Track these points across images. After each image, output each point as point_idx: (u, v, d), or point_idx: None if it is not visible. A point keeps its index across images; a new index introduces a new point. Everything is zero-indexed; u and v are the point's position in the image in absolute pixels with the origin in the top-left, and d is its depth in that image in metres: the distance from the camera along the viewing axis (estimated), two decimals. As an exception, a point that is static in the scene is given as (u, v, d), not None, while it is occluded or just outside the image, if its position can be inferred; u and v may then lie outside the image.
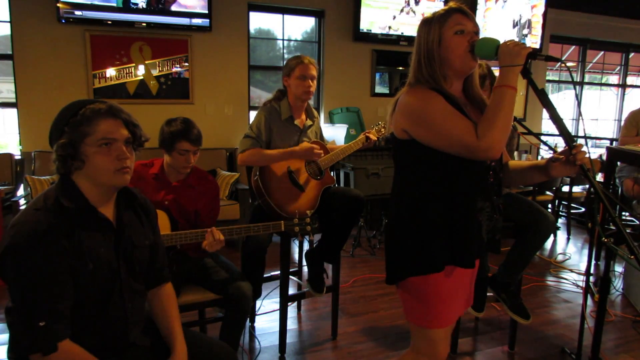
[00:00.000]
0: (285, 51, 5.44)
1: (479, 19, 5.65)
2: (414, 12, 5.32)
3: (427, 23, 1.41)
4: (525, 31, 5.93)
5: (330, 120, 5.23)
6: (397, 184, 1.51)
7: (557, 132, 1.34)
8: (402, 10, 5.30)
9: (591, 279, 3.46)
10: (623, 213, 4.60)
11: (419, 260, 1.41)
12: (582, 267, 4.02)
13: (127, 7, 4.33)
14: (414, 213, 1.43)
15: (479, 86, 1.51)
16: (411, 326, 1.54)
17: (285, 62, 2.52)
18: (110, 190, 1.33)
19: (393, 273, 1.49)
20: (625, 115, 4.23)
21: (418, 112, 1.36)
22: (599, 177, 4.16)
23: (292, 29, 5.44)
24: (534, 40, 5.97)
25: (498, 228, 1.51)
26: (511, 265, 2.35)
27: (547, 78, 6.88)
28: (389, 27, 5.28)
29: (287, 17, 5.30)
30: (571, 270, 3.93)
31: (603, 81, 7.81)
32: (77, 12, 4.23)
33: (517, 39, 1.38)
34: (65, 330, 1.22)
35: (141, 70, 4.60)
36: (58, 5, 4.14)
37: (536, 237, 2.28)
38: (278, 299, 2.52)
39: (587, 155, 1.32)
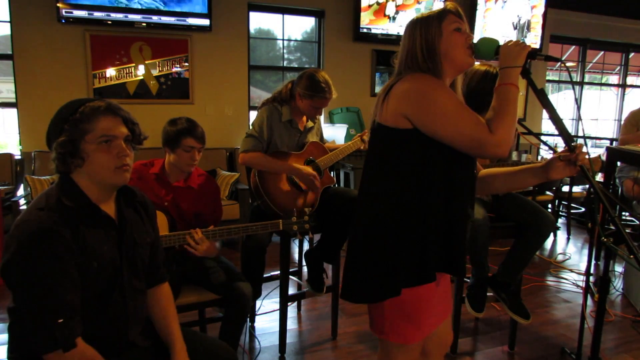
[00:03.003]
0: (285, 51, 5.44)
1: (478, 19, 5.66)
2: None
3: (422, 21, 1.37)
4: (525, 32, 5.93)
5: (330, 120, 5.24)
6: (382, 182, 1.35)
7: (556, 132, 1.34)
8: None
9: (591, 279, 3.46)
10: (623, 213, 4.60)
11: (416, 270, 1.31)
12: (582, 267, 4.02)
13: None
14: (409, 215, 1.31)
15: (462, 88, 1.49)
16: (384, 343, 1.44)
17: (308, 77, 2.37)
18: (110, 188, 1.33)
19: (384, 286, 1.32)
20: (625, 115, 4.23)
21: (427, 96, 1.26)
22: (599, 177, 4.16)
23: (292, 29, 5.45)
24: (534, 41, 5.97)
25: (470, 239, 1.48)
26: (511, 265, 2.35)
27: (547, 78, 6.88)
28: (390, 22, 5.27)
29: (287, 17, 5.30)
30: (571, 270, 3.93)
31: (603, 81, 7.81)
32: (77, 12, 4.23)
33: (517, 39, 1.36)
34: (80, 326, 1.22)
35: (141, 70, 4.60)
36: (58, 5, 4.15)
37: (536, 236, 2.29)
38: (278, 299, 2.52)
39: (587, 156, 1.32)
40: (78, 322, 1.21)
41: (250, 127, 2.42)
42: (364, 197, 1.40)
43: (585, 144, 1.35)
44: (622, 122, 4.19)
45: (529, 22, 5.93)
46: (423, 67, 1.33)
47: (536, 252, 2.46)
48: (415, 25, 1.38)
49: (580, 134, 6.62)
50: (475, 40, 1.38)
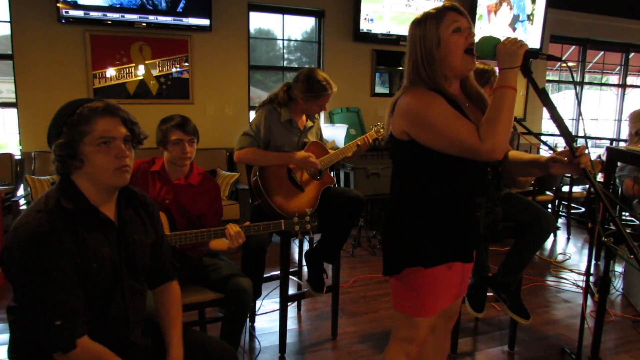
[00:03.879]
0: (285, 51, 5.44)
1: (478, 19, 5.65)
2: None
3: (420, 23, 1.38)
4: (524, 31, 5.93)
5: (330, 120, 5.24)
6: (397, 183, 1.52)
7: (557, 132, 1.35)
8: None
9: (591, 279, 3.46)
10: (623, 213, 4.60)
11: (419, 253, 1.43)
12: (582, 267, 4.02)
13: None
14: (415, 211, 1.44)
15: (475, 81, 1.52)
16: (397, 315, 1.57)
17: (307, 78, 2.35)
18: (110, 189, 1.32)
19: (391, 264, 1.50)
20: (625, 115, 4.21)
21: (419, 114, 1.35)
22: (599, 177, 4.16)
23: (292, 29, 5.45)
24: (534, 41, 5.97)
25: (499, 219, 1.56)
26: (511, 265, 2.35)
27: (547, 78, 6.88)
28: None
29: (287, 17, 5.30)
30: (571, 270, 3.93)
31: (603, 81, 7.81)
32: (77, 12, 4.23)
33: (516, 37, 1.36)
34: (83, 327, 1.22)
35: (141, 70, 4.60)
36: (58, 5, 4.15)
37: (536, 236, 2.29)
38: (278, 299, 2.52)
39: (589, 159, 1.33)
40: (79, 323, 1.21)
41: (248, 127, 2.41)
42: (391, 193, 1.57)
43: (586, 144, 1.35)
44: (629, 121, 4.14)
45: (528, 22, 5.93)
46: (423, 75, 1.39)
47: (536, 253, 2.47)
48: (415, 28, 1.40)
49: (581, 133, 6.62)
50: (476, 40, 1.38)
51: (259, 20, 5.23)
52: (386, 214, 1.58)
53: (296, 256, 3.28)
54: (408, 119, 1.38)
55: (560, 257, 4.29)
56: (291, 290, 2.86)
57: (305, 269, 2.79)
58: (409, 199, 1.46)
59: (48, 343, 1.19)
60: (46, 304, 1.17)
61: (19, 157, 4.30)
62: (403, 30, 5.34)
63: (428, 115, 1.34)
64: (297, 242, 3.28)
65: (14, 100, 4.33)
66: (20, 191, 4.11)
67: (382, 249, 1.59)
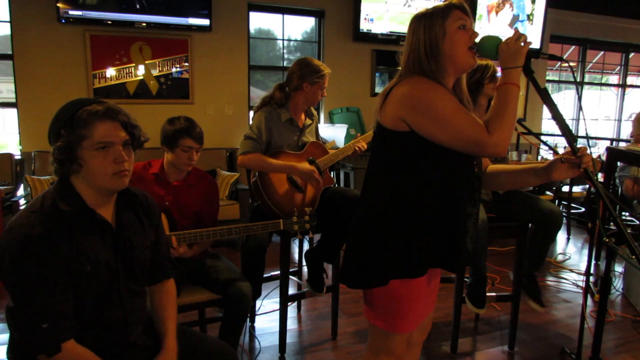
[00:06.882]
0: (285, 51, 5.44)
1: (477, 18, 5.65)
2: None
3: (425, 17, 1.36)
4: (524, 31, 5.93)
5: (330, 120, 5.23)
6: (381, 181, 1.40)
7: (557, 132, 1.35)
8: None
9: (591, 279, 3.46)
10: (623, 213, 4.60)
11: (407, 263, 1.34)
12: (582, 267, 4.02)
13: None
14: (403, 213, 1.35)
15: (466, 84, 1.49)
16: (374, 329, 1.49)
17: (304, 65, 2.39)
18: (109, 193, 1.31)
19: (372, 274, 1.38)
20: (625, 116, 4.22)
21: (423, 101, 1.29)
22: (599, 177, 4.16)
23: (292, 29, 5.45)
24: (533, 41, 5.97)
25: (475, 237, 1.47)
26: (535, 258, 2.53)
27: (547, 78, 6.88)
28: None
29: (287, 17, 5.30)
30: (571, 270, 3.93)
31: (603, 81, 7.81)
32: (77, 12, 4.23)
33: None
34: (69, 331, 1.21)
35: (141, 70, 4.60)
36: (58, 5, 4.15)
37: (550, 228, 2.44)
38: (278, 299, 2.52)
39: (591, 159, 1.32)
40: (67, 327, 1.21)
41: (249, 130, 2.42)
42: (364, 191, 1.46)
43: (588, 145, 1.35)
44: (633, 121, 4.15)
45: (528, 22, 5.93)
46: (426, 67, 1.34)
47: (552, 243, 2.62)
48: (419, 22, 1.38)
49: (582, 133, 6.61)
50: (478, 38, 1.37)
51: (259, 20, 5.23)
52: (364, 216, 1.42)
53: (296, 256, 3.28)
54: (409, 105, 1.30)
55: (560, 257, 4.29)
56: (291, 290, 2.86)
57: (305, 269, 2.79)
58: (400, 199, 1.35)
59: (33, 345, 1.18)
60: (35, 306, 1.17)
61: (19, 157, 4.30)
62: (403, 30, 5.30)
63: (434, 103, 1.28)
64: (297, 242, 3.28)
65: (14, 100, 4.33)
66: (20, 191, 4.11)
67: (350, 254, 1.43)
